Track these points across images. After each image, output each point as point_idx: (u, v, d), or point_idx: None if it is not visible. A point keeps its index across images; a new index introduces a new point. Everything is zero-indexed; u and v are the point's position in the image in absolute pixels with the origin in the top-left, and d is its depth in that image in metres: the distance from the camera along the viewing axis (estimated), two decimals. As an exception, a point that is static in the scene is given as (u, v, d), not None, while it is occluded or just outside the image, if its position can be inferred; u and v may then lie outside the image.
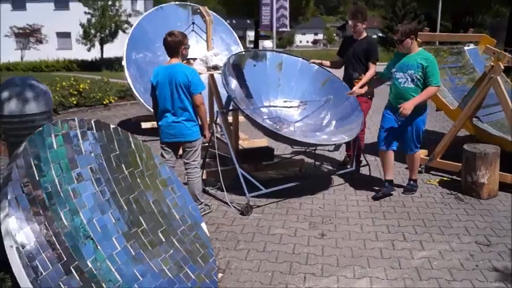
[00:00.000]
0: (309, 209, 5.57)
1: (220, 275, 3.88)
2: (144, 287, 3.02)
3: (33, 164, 2.74)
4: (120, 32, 31.00)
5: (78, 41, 30.41)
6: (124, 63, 9.19)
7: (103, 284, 2.76)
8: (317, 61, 6.94)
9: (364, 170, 6.93)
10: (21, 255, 2.32)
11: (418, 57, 5.65)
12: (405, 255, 4.42)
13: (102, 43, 30.47)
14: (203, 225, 3.91)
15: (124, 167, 3.50)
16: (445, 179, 6.60)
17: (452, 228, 5.03)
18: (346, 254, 4.44)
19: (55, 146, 2.99)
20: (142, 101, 9.00)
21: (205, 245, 3.76)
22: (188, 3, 10.26)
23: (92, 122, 3.38)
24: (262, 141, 7.93)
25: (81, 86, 12.64)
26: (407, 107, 5.49)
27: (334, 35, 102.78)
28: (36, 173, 2.75)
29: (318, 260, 4.32)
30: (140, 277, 3.04)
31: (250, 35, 60.16)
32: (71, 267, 2.61)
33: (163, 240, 3.45)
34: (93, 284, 2.69)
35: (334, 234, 4.89)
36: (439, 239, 4.76)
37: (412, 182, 6.17)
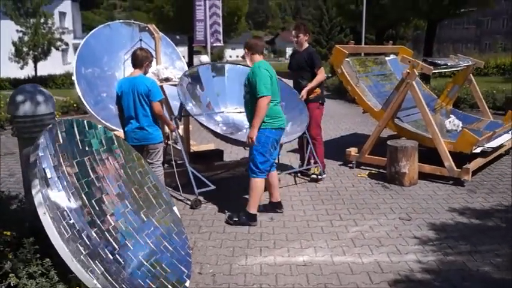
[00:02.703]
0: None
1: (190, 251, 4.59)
2: (135, 254, 3.69)
3: (49, 154, 3.38)
4: (54, 50, 30.84)
5: (10, 59, 29.90)
6: (74, 78, 9.68)
7: (105, 249, 3.42)
8: None
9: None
10: (52, 220, 2.97)
11: (250, 71, 5.39)
12: (342, 230, 5.29)
13: (35, 61, 30.15)
14: (175, 208, 4.63)
15: (110, 160, 4.17)
16: (373, 171, 7.58)
17: (380, 209, 5.96)
18: (293, 232, 5.26)
19: (61, 140, 3.63)
20: (93, 113, 9.50)
21: (178, 224, 4.47)
22: (132, 22, 10.88)
23: (85, 122, 4.04)
24: (209, 146, 8.66)
25: (25, 102, 12.88)
26: (251, 136, 5.25)
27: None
28: (51, 160, 3.39)
29: (270, 237, 5.12)
30: (131, 247, 3.72)
31: (181, 50, 60.08)
32: (82, 234, 3.27)
33: (145, 219, 4.14)
34: (99, 249, 3.35)
35: (281, 218, 5.71)
36: (369, 217, 5.67)
37: (242, 215, 5.48)
